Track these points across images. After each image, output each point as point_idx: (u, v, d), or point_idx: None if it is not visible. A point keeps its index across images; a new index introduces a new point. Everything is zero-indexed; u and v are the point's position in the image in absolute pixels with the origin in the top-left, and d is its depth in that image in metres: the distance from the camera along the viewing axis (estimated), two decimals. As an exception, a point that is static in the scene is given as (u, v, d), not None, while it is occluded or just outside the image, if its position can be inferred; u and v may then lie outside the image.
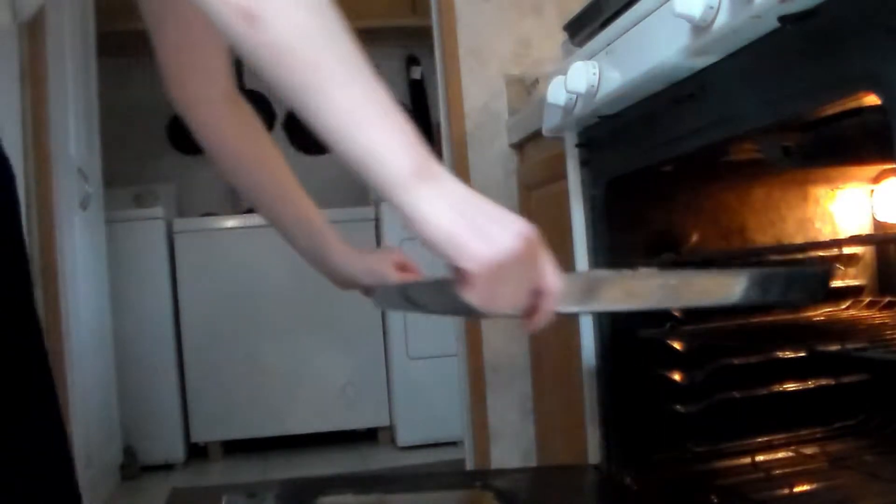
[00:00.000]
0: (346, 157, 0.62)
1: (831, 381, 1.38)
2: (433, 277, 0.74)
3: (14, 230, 0.84)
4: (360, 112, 0.61)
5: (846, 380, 1.38)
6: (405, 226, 0.62)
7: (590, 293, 0.71)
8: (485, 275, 0.60)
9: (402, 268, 1.01)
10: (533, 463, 2.13)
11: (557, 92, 1.31)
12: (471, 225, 0.60)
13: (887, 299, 1.33)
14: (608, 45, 1.18)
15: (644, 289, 0.76)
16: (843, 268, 1.31)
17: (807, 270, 1.11)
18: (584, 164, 1.37)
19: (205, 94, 0.94)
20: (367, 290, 1.02)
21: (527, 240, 0.61)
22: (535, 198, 2.02)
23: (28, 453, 0.81)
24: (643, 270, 0.76)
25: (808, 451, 1.31)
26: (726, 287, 0.81)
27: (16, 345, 0.81)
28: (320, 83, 0.60)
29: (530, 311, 0.66)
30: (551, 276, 0.65)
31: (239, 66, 4.78)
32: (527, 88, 2.20)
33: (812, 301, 1.24)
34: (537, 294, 0.65)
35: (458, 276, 0.61)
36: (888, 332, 1.06)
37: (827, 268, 1.33)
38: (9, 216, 0.84)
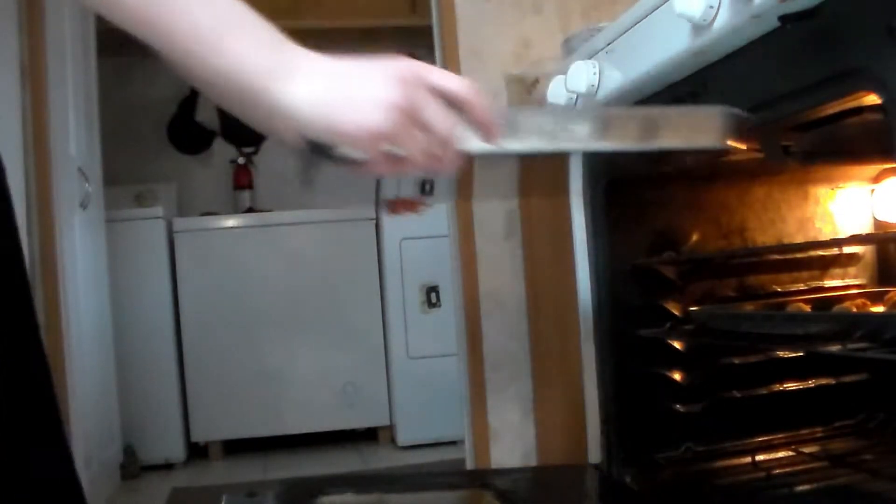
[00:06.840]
0: (209, 75, 0.61)
1: (831, 381, 1.38)
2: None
3: (7, 222, 0.82)
4: (220, 27, 0.59)
5: (846, 379, 1.38)
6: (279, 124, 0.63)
7: (512, 127, 0.67)
8: (371, 147, 0.62)
9: None
10: (533, 463, 2.13)
11: (557, 92, 1.31)
12: (341, 100, 0.61)
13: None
14: (608, 44, 1.18)
15: (559, 129, 0.69)
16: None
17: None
18: (584, 164, 1.37)
19: None
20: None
21: (397, 106, 0.61)
22: (535, 198, 2.02)
23: (31, 462, 0.79)
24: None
25: (809, 450, 1.31)
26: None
27: (14, 341, 0.80)
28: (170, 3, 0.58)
29: (435, 159, 0.64)
30: (441, 121, 0.63)
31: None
32: (527, 88, 2.20)
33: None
34: (439, 142, 0.64)
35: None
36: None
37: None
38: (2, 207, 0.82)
